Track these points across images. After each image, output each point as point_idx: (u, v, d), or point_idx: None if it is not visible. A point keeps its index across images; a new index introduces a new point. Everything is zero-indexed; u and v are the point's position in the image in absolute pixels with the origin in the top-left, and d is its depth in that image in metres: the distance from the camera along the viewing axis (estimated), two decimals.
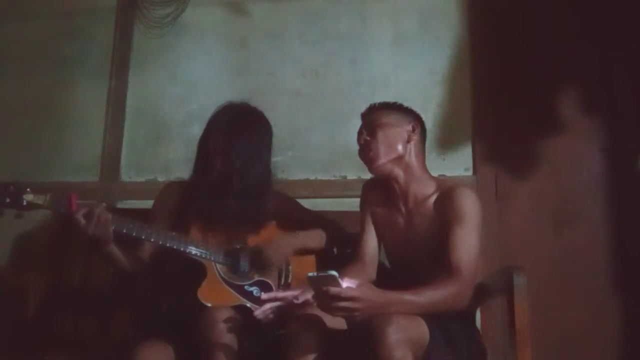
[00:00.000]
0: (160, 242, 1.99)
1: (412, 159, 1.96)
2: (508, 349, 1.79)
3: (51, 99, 2.99)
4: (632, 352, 2.48)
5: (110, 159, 2.89)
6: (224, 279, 2.03)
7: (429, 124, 2.53)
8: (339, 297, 1.56)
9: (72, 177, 2.89)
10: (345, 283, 1.59)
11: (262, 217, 2.13)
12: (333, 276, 1.55)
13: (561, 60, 2.73)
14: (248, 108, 2.18)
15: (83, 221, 1.87)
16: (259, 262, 2.07)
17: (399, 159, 1.94)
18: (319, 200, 2.52)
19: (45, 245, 2.66)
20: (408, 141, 1.96)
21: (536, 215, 2.65)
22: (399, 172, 1.95)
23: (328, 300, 1.57)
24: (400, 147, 1.95)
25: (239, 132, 2.09)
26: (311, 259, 2.18)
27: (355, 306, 1.57)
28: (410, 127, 1.97)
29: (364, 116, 2.04)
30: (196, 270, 2.00)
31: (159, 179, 2.83)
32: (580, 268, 2.57)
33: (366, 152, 1.97)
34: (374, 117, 1.99)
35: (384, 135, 1.95)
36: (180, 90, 2.94)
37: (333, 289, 1.56)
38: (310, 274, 1.59)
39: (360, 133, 2.01)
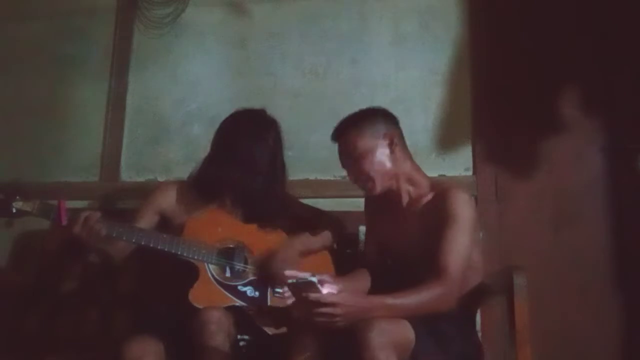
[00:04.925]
0: (151, 245, 1.97)
1: (400, 164, 1.94)
2: (508, 349, 1.79)
3: (51, 99, 2.99)
4: (632, 352, 2.48)
5: (110, 159, 2.88)
6: (216, 280, 2.01)
7: (429, 124, 2.52)
8: (319, 303, 1.54)
9: (72, 177, 2.89)
10: (326, 289, 1.57)
11: (273, 213, 2.14)
12: (312, 282, 1.54)
13: (561, 60, 2.73)
14: (264, 113, 2.23)
15: (77, 229, 1.89)
16: (269, 279, 2.05)
17: (392, 175, 1.93)
18: (319, 200, 2.51)
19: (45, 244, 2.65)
20: (392, 153, 1.93)
21: (536, 215, 2.65)
22: (391, 182, 1.94)
23: (308, 307, 1.55)
24: (388, 165, 1.92)
25: (258, 134, 2.15)
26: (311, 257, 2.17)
27: (336, 312, 1.55)
28: (388, 140, 1.92)
29: (338, 143, 1.98)
30: (190, 272, 1.99)
31: (159, 179, 2.83)
32: (580, 268, 2.57)
33: (360, 184, 1.95)
34: (349, 147, 1.93)
35: (370, 166, 1.90)
36: (180, 90, 2.93)
37: (313, 295, 1.54)
38: (290, 281, 1.58)
39: (343, 165, 1.97)
